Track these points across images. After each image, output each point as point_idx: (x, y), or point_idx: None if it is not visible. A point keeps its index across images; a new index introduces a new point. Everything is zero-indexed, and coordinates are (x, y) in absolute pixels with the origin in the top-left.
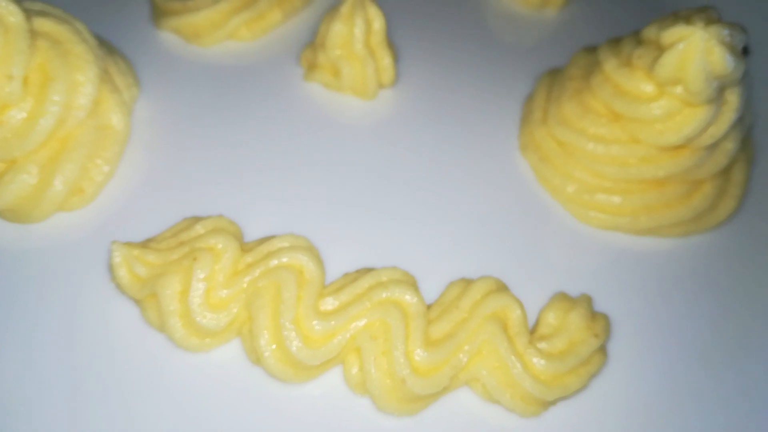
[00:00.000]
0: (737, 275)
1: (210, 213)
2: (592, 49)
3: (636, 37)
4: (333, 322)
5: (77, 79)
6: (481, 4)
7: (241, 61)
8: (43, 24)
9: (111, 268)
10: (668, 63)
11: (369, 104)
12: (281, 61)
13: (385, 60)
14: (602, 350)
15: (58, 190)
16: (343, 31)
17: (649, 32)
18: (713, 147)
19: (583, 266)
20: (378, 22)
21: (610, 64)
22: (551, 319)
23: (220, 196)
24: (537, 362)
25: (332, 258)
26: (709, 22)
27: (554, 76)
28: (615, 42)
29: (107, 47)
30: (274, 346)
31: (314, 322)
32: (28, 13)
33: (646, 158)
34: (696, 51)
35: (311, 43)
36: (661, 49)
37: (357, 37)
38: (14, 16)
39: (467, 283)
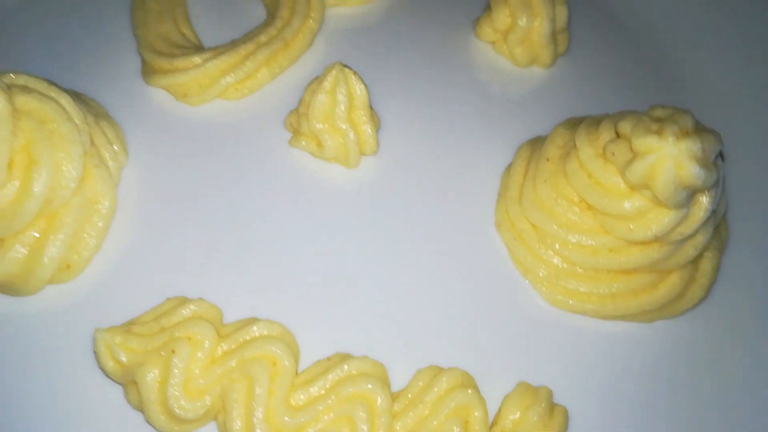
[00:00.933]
0: (699, 365)
1: (192, 287)
2: (572, 123)
3: (613, 125)
4: (302, 418)
5: (62, 161)
6: (468, 61)
7: (229, 122)
8: (26, 102)
9: (95, 355)
10: (637, 171)
11: (351, 172)
12: (267, 124)
13: (367, 130)
14: None
15: (46, 268)
16: (325, 104)
17: (624, 128)
18: (683, 240)
19: (548, 349)
20: (360, 95)
21: (585, 154)
22: (511, 414)
23: (203, 270)
24: None
25: (308, 339)
26: (682, 135)
27: (534, 147)
28: (593, 127)
29: (95, 111)
30: None
31: (285, 418)
32: (11, 91)
33: (616, 249)
34: (665, 165)
35: (296, 109)
36: (633, 152)
37: (339, 111)
38: None
39: (435, 372)
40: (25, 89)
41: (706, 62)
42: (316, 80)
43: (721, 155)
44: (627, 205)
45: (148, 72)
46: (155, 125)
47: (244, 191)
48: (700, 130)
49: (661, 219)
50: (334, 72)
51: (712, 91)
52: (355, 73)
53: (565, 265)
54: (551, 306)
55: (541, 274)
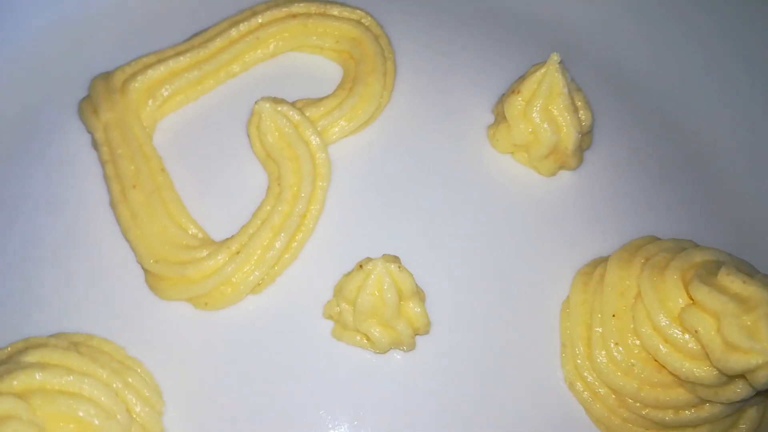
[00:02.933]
0: None
1: None
2: (626, 259)
3: (682, 283)
4: None
5: None
6: (490, 180)
7: (260, 321)
8: (54, 410)
9: None
10: (735, 369)
11: (409, 356)
12: (302, 314)
13: (419, 316)
14: None
15: None
16: (373, 304)
17: (703, 299)
18: None
19: None
20: (408, 285)
21: (661, 321)
22: None
23: None
24: None
25: None
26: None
27: (588, 282)
28: (658, 277)
29: (116, 365)
30: None
31: None
32: (30, 403)
33: (699, 406)
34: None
35: (333, 300)
36: (723, 339)
37: (389, 311)
38: None
39: None
40: (44, 393)
41: (728, 134)
42: (357, 275)
43: None
44: (714, 377)
45: (156, 285)
46: (181, 346)
47: (295, 401)
48: None
49: (748, 387)
50: (377, 271)
51: (742, 170)
52: (397, 262)
53: (649, 422)
54: None
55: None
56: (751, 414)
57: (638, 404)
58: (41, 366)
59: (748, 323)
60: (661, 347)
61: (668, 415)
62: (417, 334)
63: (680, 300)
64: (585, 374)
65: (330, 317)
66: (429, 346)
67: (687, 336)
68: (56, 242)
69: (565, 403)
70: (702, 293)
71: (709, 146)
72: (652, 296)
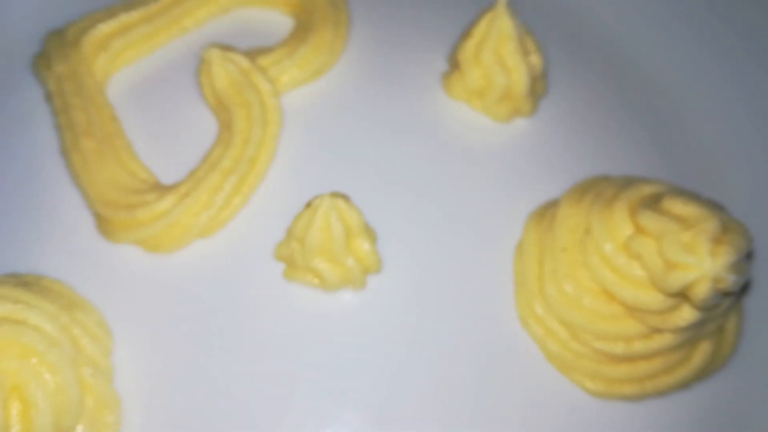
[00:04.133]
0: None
1: None
2: (578, 197)
3: (628, 213)
4: None
5: (57, 392)
6: (445, 127)
7: (212, 264)
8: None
9: None
10: (674, 286)
11: (360, 295)
12: (254, 256)
13: (368, 253)
14: None
15: None
16: (321, 240)
17: (647, 225)
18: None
19: None
20: (356, 221)
21: (607, 249)
22: None
23: None
24: None
25: None
26: (716, 248)
27: (541, 222)
28: (606, 211)
29: (65, 301)
30: None
31: None
32: None
33: (650, 336)
34: (705, 285)
35: (285, 241)
36: (664, 259)
37: (338, 246)
38: None
39: None
40: None
41: (686, 79)
42: (306, 213)
43: (749, 255)
44: (660, 302)
45: (106, 229)
46: (130, 287)
47: (247, 341)
48: (729, 231)
49: (693, 311)
50: (324, 206)
51: (701, 114)
52: (345, 198)
53: (601, 356)
54: (593, 397)
55: (578, 368)
56: (704, 347)
57: (589, 336)
58: None
59: (687, 240)
60: (608, 275)
61: (619, 347)
62: (368, 273)
63: (627, 230)
64: (537, 310)
65: (282, 258)
66: (381, 286)
67: (633, 263)
68: (7, 189)
69: (521, 342)
70: (645, 218)
71: (663, 88)
72: (600, 227)
